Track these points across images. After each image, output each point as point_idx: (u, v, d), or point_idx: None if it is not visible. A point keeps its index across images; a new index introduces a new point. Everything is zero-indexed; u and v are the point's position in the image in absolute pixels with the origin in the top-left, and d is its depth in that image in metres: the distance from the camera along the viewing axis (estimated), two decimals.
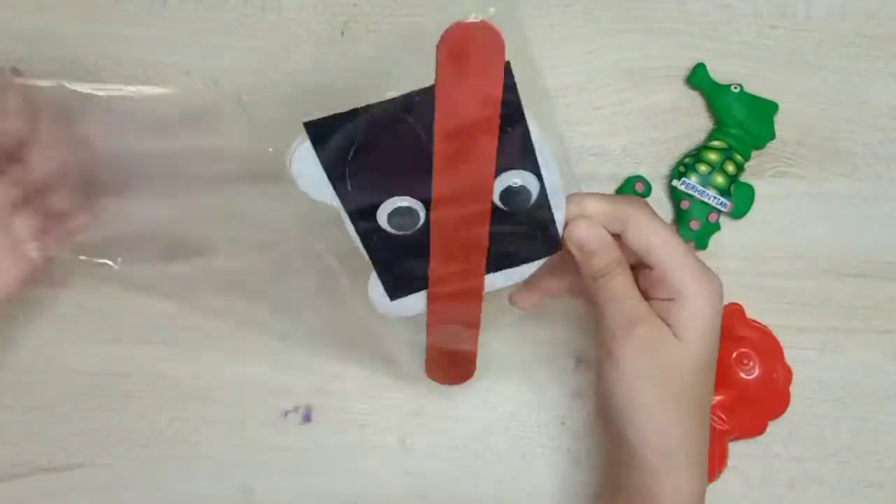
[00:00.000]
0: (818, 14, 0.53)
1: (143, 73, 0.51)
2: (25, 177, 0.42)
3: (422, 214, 0.38)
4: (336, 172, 0.37)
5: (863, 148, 0.52)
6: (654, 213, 0.41)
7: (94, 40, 0.51)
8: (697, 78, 0.52)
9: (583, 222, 0.40)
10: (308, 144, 0.36)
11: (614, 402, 0.40)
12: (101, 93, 0.43)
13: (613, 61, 0.52)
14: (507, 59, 0.34)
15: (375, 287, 0.41)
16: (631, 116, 0.52)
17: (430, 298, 0.42)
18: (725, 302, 0.50)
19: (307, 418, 0.50)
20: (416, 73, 0.35)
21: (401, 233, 0.39)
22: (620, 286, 0.40)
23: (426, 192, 0.38)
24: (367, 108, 0.35)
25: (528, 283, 0.44)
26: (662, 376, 0.39)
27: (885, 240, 0.52)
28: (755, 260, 0.52)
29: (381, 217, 0.38)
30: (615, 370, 0.40)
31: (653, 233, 0.40)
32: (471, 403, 0.51)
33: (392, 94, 0.35)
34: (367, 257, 0.40)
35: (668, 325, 0.40)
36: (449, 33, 0.33)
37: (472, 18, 0.33)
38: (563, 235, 0.40)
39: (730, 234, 0.52)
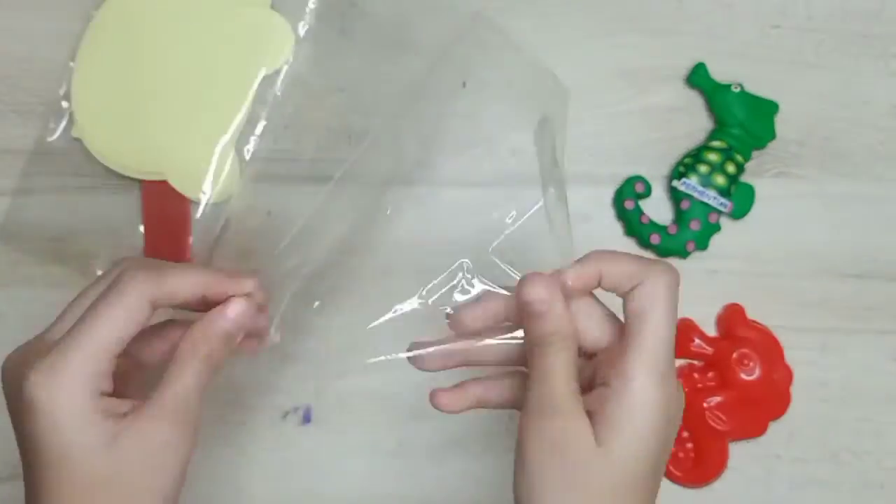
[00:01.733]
0: (818, 14, 0.53)
1: None
2: None
3: None
4: None
5: (863, 148, 0.52)
6: (673, 284, 0.34)
7: None
8: (697, 78, 0.52)
9: (539, 279, 0.34)
10: None
11: None
12: None
13: (613, 61, 0.52)
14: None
15: None
16: (631, 116, 0.52)
17: None
18: (727, 302, 0.51)
19: (307, 419, 0.50)
20: None
21: None
22: (555, 364, 0.34)
23: None
24: None
25: (462, 386, 0.38)
26: (574, 485, 0.32)
27: (886, 240, 0.52)
28: (755, 260, 0.51)
29: None
30: (521, 472, 0.33)
31: (657, 303, 0.33)
32: None
33: None
34: None
35: (595, 421, 0.32)
36: None
37: None
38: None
39: (730, 234, 0.51)
